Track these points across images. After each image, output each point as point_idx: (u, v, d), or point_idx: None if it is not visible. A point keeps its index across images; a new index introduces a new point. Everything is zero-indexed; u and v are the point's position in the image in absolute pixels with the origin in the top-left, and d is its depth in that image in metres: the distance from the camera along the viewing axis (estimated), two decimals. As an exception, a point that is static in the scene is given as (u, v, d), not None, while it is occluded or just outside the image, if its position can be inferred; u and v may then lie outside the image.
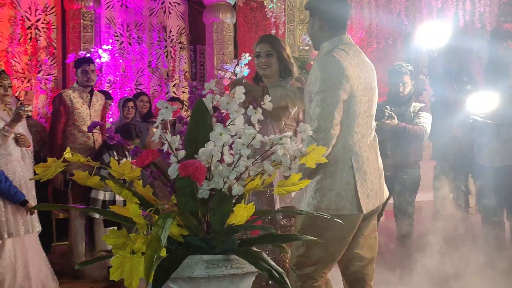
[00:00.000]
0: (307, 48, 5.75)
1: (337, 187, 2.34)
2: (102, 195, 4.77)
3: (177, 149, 1.53)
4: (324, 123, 2.29)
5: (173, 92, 8.10)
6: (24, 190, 4.10)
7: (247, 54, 7.68)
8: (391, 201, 4.72)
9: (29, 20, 7.12)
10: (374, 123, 2.52)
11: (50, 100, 7.02)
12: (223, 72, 7.65)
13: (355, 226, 2.41)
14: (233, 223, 1.57)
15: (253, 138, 1.44)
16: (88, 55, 6.86)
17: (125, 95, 7.35)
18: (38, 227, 4.16)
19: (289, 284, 1.38)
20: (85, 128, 4.80)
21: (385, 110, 4.16)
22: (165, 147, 1.50)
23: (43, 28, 7.23)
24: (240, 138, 1.45)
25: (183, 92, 8.21)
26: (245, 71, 7.71)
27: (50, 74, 7.27)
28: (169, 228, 1.39)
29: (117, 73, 7.63)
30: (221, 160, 1.54)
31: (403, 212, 4.56)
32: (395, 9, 7.49)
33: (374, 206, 2.43)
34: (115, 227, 4.89)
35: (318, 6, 2.47)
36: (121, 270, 1.36)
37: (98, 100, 5.04)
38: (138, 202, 1.54)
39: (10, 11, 6.95)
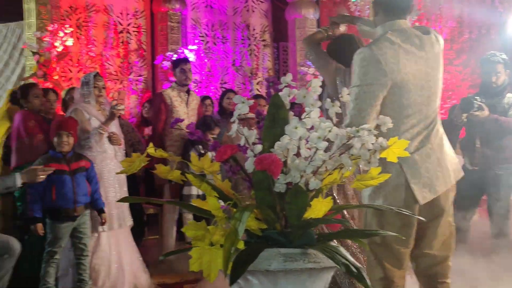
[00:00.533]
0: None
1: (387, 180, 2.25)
2: (195, 191, 4.91)
3: (254, 144, 1.55)
4: (356, 120, 2.19)
5: (257, 89, 8.18)
6: (117, 186, 4.33)
7: (331, 49, 7.59)
8: (484, 198, 4.48)
9: (121, 25, 7.47)
10: (434, 109, 2.37)
11: (140, 100, 7.35)
12: (306, 68, 7.63)
13: (413, 220, 2.27)
14: (311, 217, 1.57)
15: (329, 131, 1.43)
16: (175, 56, 7.11)
17: (210, 94, 7.54)
18: (130, 221, 4.38)
19: (367, 279, 1.35)
20: (182, 126, 4.96)
21: (474, 101, 3.97)
22: (242, 142, 1.52)
23: (133, 31, 7.57)
24: (316, 131, 1.43)
25: (267, 89, 8.27)
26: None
27: (140, 75, 7.60)
28: (246, 221, 1.41)
29: (203, 72, 7.83)
30: (298, 154, 1.53)
31: (497, 210, 4.31)
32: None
33: (436, 194, 2.29)
34: (191, 221, 5.02)
35: None
36: (200, 261, 1.40)
37: (194, 99, 5.25)
38: (217, 195, 1.58)
39: (103, 17, 7.34)
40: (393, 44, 2.24)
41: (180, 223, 5.11)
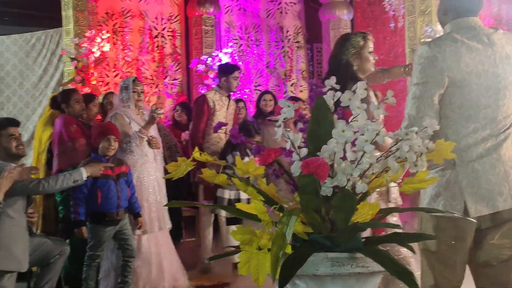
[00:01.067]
0: (428, 40, 5.50)
1: (436, 186, 2.15)
2: (227, 194, 4.95)
3: (299, 147, 1.54)
4: (414, 120, 2.12)
5: (291, 91, 8.16)
6: (157, 189, 4.38)
7: (365, 50, 7.52)
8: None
9: (156, 29, 7.57)
10: (506, 115, 2.17)
11: (175, 104, 7.41)
12: (341, 69, 7.57)
13: (466, 235, 2.13)
14: (358, 221, 1.55)
15: (377, 134, 1.41)
16: (209, 59, 7.16)
17: (244, 96, 7.56)
18: (169, 224, 4.43)
19: (418, 284, 1.33)
20: (220, 130, 5.00)
21: None
22: (288, 145, 1.51)
23: (168, 36, 7.66)
24: (363, 134, 1.42)
25: (301, 91, 8.24)
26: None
27: (176, 79, 7.68)
28: (293, 225, 1.40)
29: (237, 75, 7.86)
30: (343, 157, 1.52)
31: None
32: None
33: (494, 210, 2.12)
34: (238, 225, 5.04)
35: None
36: (248, 265, 1.40)
37: (232, 104, 5.28)
38: (263, 199, 1.58)
39: (139, 22, 7.45)
40: (456, 42, 2.14)
41: (216, 224, 5.14)
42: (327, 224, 1.54)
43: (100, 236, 3.86)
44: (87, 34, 6.46)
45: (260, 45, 8.18)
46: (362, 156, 1.45)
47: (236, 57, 7.68)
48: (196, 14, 7.48)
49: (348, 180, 1.50)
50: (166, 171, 4.29)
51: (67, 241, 4.02)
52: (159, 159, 4.50)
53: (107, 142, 3.90)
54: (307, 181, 1.52)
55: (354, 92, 1.48)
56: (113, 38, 7.11)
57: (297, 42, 8.38)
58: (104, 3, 7.05)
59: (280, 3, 8.33)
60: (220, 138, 5.03)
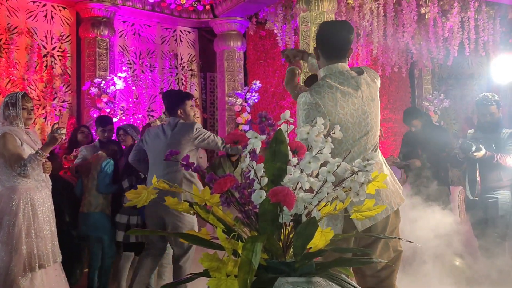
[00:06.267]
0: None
1: None
2: (124, 219, 4.83)
3: (253, 179, 1.61)
4: None
5: (184, 118, 8.18)
6: (52, 219, 4.03)
7: (258, 81, 7.84)
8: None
9: (45, 48, 7.24)
10: (373, 142, 2.58)
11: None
12: (234, 99, 7.78)
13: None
14: (311, 247, 1.65)
15: (338, 166, 1.53)
16: (103, 82, 6.98)
17: (137, 121, 7.45)
18: (60, 257, 4.11)
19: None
20: None
21: (472, 143, 4.55)
22: (251, 174, 1.58)
23: (58, 56, 7.35)
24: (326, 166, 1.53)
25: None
26: (255, 97, 7.86)
27: (65, 101, 7.36)
28: (259, 252, 1.46)
29: (130, 100, 7.74)
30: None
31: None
32: (402, 38, 7.69)
33: (375, 221, 2.50)
34: (133, 252, 4.92)
35: (316, 35, 2.64)
36: (219, 291, 1.43)
37: None
38: (223, 227, 1.62)
39: (27, 40, 7.08)
40: (331, 88, 2.47)
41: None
42: (284, 250, 1.62)
43: None
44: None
45: (154, 70, 8.15)
46: (322, 186, 1.56)
47: (129, 82, 7.57)
48: (90, 35, 7.27)
49: (305, 208, 1.61)
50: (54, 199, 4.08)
51: None
52: (49, 185, 4.19)
53: None
54: (267, 209, 1.60)
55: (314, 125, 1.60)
56: (-3, 54, 6.68)
57: (191, 70, 8.48)
58: (-13, 17, 6.62)
59: (175, 30, 8.40)
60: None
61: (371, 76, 2.62)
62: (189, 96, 4.54)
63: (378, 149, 2.67)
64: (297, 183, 1.54)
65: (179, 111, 4.30)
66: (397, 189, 2.66)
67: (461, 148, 4.64)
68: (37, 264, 3.79)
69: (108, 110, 6.94)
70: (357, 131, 2.50)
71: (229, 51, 8.10)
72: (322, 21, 2.78)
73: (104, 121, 5.57)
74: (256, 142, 1.56)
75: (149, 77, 8.06)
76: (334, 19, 6.31)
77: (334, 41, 2.57)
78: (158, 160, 4.11)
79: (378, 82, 2.68)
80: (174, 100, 4.36)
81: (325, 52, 2.58)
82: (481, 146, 4.59)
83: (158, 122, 4.64)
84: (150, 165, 4.29)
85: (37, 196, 3.91)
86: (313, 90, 2.49)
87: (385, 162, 2.71)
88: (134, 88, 7.73)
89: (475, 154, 4.57)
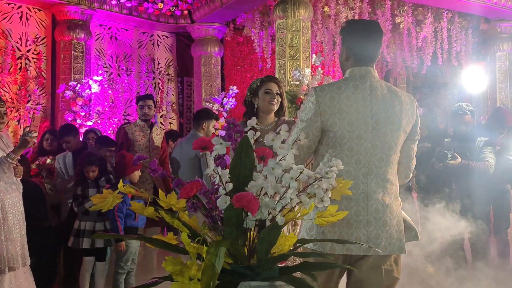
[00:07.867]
0: (297, 83, 5.94)
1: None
2: (77, 225, 4.70)
3: (227, 182, 1.64)
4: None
5: (161, 122, 8.18)
6: (22, 222, 4.01)
7: (235, 87, 7.87)
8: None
9: (20, 50, 7.17)
10: (386, 159, 2.35)
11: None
12: (211, 104, 7.80)
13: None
14: (275, 252, 1.68)
15: (301, 172, 1.57)
16: (79, 85, 6.93)
17: (112, 125, 7.42)
18: (29, 260, 4.07)
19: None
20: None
21: (448, 152, 4.70)
22: (216, 180, 1.61)
23: (33, 58, 7.28)
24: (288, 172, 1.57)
25: (170, 123, 8.30)
26: (232, 103, 7.89)
27: (39, 104, 7.29)
28: (223, 256, 1.49)
29: (106, 103, 7.70)
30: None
31: None
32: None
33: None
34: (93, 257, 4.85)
35: (347, 36, 2.45)
36: (182, 295, 1.45)
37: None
38: (188, 231, 1.64)
39: (1, 41, 7.00)
40: (339, 89, 2.32)
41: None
42: (248, 255, 1.65)
43: None
44: None
45: (131, 74, 8.13)
46: (285, 192, 1.59)
47: (105, 85, 7.54)
48: (65, 38, 7.22)
49: (269, 213, 1.64)
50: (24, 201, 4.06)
51: None
52: (20, 188, 4.17)
53: None
54: (231, 214, 1.62)
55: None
56: (-31, 56, 6.60)
57: (168, 74, 8.48)
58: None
59: (152, 35, 8.39)
60: None
61: (402, 97, 2.40)
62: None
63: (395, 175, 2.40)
64: (261, 189, 1.57)
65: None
66: (400, 236, 2.37)
67: (437, 157, 4.75)
68: (6, 267, 3.77)
69: (83, 114, 6.90)
70: (355, 142, 2.31)
71: (207, 56, 8.12)
72: (345, 23, 2.63)
73: (62, 132, 5.45)
74: (221, 148, 1.59)
75: (126, 81, 8.03)
76: (309, 26, 6.39)
77: (365, 44, 2.38)
78: None
79: (411, 106, 2.44)
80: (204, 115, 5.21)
81: (356, 55, 2.38)
82: (456, 154, 4.72)
83: None
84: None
85: (8, 199, 3.90)
86: (321, 86, 2.40)
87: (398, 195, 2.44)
88: (110, 91, 7.70)
89: (451, 162, 4.69)
